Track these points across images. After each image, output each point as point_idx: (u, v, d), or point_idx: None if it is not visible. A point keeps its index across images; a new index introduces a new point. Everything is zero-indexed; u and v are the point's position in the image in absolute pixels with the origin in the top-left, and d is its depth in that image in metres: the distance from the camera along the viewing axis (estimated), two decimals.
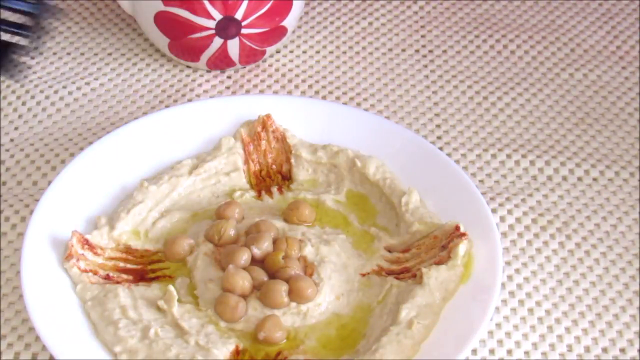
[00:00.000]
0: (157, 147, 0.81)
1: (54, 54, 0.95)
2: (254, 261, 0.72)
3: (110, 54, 0.95)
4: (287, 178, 0.82)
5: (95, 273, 0.72)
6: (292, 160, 0.81)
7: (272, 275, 0.71)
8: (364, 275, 0.74)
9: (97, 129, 0.87)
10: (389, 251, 0.75)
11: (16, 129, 0.87)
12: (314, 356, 0.68)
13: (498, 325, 0.74)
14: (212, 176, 0.80)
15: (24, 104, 0.90)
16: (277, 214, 0.77)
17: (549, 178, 0.85)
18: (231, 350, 0.67)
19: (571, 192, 0.84)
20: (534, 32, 1.01)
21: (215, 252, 0.73)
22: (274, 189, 0.80)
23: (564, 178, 0.85)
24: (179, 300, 0.70)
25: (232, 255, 0.71)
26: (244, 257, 0.71)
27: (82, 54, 0.95)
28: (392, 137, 0.81)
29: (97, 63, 0.94)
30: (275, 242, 0.73)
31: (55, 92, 0.91)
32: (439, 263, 0.72)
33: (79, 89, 0.91)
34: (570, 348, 0.73)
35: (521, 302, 0.75)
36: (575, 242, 0.80)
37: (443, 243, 0.73)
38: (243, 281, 0.70)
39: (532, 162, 0.86)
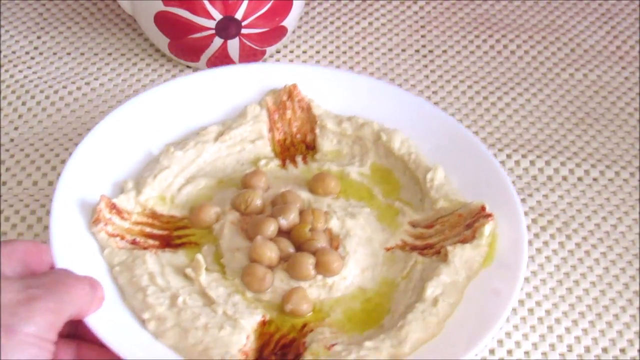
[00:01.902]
0: (183, 113, 0.81)
1: (54, 54, 0.95)
2: (281, 232, 0.72)
3: (110, 54, 0.95)
4: (311, 148, 0.82)
5: (122, 238, 0.72)
6: (317, 131, 0.81)
7: (299, 247, 0.72)
8: (388, 249, 0.74)
9: None
10: (413, 226, 0.75)
11: (16, 129, 0.87)
12: (339, 329, 0.69)
13: None
14: (237, 143, 0.80)
15: (24, 104, 0.90)
16: (302, 184, 0.77)
17: (549, 178, 0.85)
18: (258, 321, 0.68)
19: (571, 192, 0.84)
20: (534, 32, 1.01)
21: (242, 221, 0.73)
22: (299, 159, 0.80)
23: (564, 178, 0.85)
24: (206, 269, 0.70)
25: (260, 226, 0.72)
26: (271, 228, 0.72)
27: (82, 54, 0.95)
28: (418, 113, 0.81)
29: (97, 63, 0.94)
30: (301, 213, 0.73)
31: (55, 92, 0.91)
32: (463, 242, 0.72)
33: (79, 89, 0.91)
34: (570, 348, 0.73)
35: (521, 303, 0.75)
36: (575, 242, 0.80)
37: (468, 222, 0.73)
38: (270, 252, 0.70)
39: (532, 162, 0.86)
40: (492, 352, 0.72)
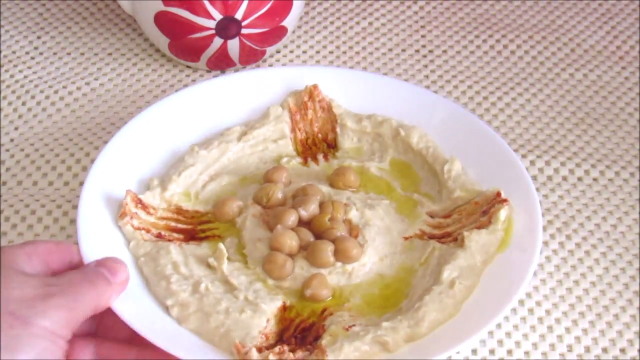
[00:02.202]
0: (207, 115, 0.82)
1: (54, 54, 0.95)
2: (301, 223, 0.74)
3: (110, 54, 0.95)
4: (332, 146, 0.83)
5: (147, 231, 0.73)
6: (338, 129, 0.83)
7: (319, 236, 0.73)
8: (406, 238, 0.75)
9: (97, 129, 0.87)
10: (431, 216, 0.77)
11: (16, 129, 0.87)
12: (358, 313, 0.70)
13: (498, 326, 0.74)
14: (259, 143, 0.81)
15: (24, 104, 0.90)
16: (322, 180, 0.79)
17: (549, 178, 0.85)
18: (279, 306, 0.69)
19: (571, 192, 0.84)
20: (534, 32, 1.01)
21: (264, 214, 0.75)
22: (320, 156, 0.82)
23: (564, 178, 0.85)
24: (228, 259, 0.71)
25: (281, 216, 0.73)
26: (292, 218, 0.73)
27: (82, 54, 0.95)
28: (434, 107, 0.82)
29: (97, 63, 0.94)
30: (321, 205, 0.75)
31: (55, 92, 0.91)
32: (479, 228, 0.73)
33: (79, 89, 0.91)
34: (570, 348, 0.73)
35: (521, 302, 0.75)
36: (575, 242, 0.80)
37: (484, 208, 0.75)
38: (291, 240, 0.71)
39: (532, 162, 0.86)
40: (492, 352, 0.72)
